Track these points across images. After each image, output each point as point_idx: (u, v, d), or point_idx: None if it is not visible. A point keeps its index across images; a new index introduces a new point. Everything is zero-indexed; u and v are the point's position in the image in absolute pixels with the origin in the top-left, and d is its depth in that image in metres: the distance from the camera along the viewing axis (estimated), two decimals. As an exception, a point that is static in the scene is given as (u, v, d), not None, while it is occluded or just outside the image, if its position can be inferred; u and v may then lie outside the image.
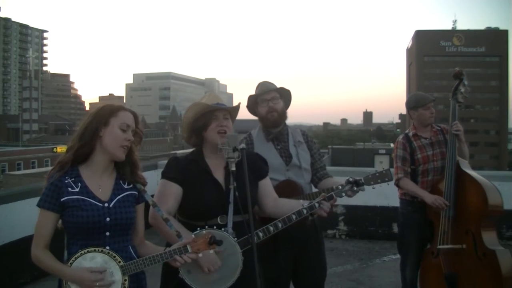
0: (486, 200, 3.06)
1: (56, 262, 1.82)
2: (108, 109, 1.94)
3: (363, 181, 2.42)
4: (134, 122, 1.96)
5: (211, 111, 2.26)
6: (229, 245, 2.07)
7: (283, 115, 2.87)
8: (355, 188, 2.35)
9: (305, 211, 2.26)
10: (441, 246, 3.19)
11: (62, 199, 1.82)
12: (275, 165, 2.77)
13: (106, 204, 1.87)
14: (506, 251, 3.07)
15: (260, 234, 2.18)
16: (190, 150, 2.45)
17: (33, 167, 41.12)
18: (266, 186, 2.42)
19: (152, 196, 2.08)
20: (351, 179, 2.36)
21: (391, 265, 5.10)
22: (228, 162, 2.16)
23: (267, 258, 2.77)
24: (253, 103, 2.89)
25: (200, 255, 1.87)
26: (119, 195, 1.92)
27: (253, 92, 2.90)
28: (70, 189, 1.84)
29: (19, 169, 39.35)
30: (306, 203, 2.28)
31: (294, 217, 2.24)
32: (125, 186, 1.96)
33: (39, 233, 1.84)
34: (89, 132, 1.88)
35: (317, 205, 2.28)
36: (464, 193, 3.18)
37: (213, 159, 2.29)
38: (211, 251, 1.89)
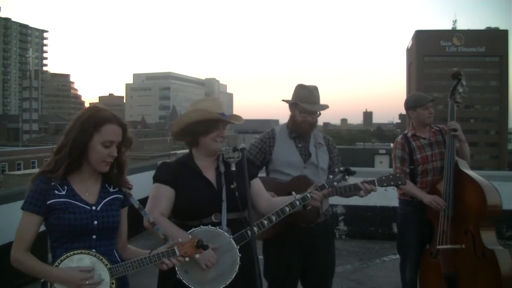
0: (485, 200, 3.06)
1: (41, 264, 1.78)
2: (92, 121, 1.82)
3: (372, 181, 2.43)
4: (122, 135, 1.88)
5: (215, 119, 2.27)
6: (225, 242, 2.09)
7: (315, 126, 2.95)
8: (347, 177, 2.38)
9: (297, 203, 2.29)
10: (440, 246, 3.19)
11: (48, 202, 1.79)
12: (293, 162, 2.86)
13: (93, 207, 1.85)
14: (505, 251, 3.07)
15: (255, 228, 2.19)
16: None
17: (33, 167, 41.06)
18: (258, 187, 2.46)
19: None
20: (342, 168, 2.40)
21: (391, 265, 5.11)
22: (218, 164, 2.27)
23: (273, 258, 2.79)
24: (292, 103, 2.93)
25: (187, 259, 1.86)
26: (105, 198, 1.90)
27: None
28: (56, 191, 1.81)
29: (19, 169, 39.34)
30: (298, 196, 2.30)
31: (287, 209, 2.27)
32: (111, 190, 1.94)
33: (21, 236, 1.79)
34: (76, 150, 1.81)
35: (309, 195, 2.31)
36: (463, 193, 3.18)
37: (204, 161, 2.33)
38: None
